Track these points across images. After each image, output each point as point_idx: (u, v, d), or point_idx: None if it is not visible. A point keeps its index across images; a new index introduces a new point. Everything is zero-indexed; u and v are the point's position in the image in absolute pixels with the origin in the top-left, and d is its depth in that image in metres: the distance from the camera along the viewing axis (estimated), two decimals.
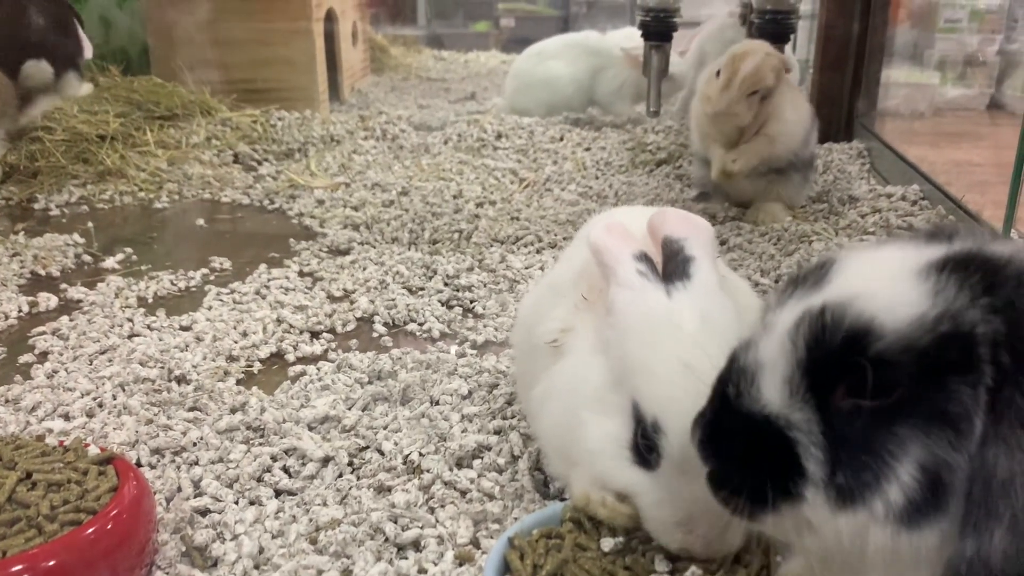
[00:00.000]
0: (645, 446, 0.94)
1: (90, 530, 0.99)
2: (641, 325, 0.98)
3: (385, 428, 1.46)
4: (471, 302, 2.04)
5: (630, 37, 3.73)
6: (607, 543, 0.96)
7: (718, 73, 2.43)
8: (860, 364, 0.66)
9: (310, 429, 1.46)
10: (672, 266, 1.01)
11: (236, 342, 1.80)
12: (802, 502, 0.70)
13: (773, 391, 0.72)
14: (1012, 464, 0.60)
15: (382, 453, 1.39)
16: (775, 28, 2.84)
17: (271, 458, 1.36)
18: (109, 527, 1.01)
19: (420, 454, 1.37)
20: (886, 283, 0.68)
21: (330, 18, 4.11)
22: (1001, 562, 0.58)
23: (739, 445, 0.74)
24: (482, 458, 1.36)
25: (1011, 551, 0.58)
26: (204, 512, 1.24)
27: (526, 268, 2.23)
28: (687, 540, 0.93)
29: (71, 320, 1.90)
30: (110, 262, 2.28)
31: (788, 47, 3.32)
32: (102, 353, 1.74)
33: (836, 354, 0.68)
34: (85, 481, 1.07)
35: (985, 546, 0.59)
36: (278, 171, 3.17)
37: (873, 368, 0.66)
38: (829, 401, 0.69)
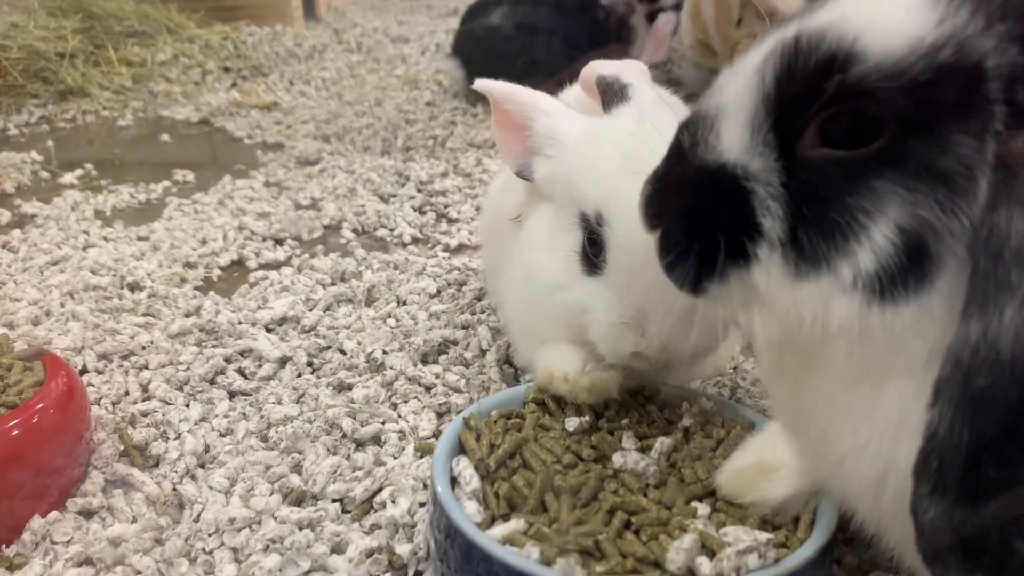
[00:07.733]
0: (593, 250, 0.89)
1: (12, 422, 0.91)
2: (582, 137, 0.94)
3: (348, 328, 1.38)
4: (445, 207, 1.94)
5: None
6: (572, 423, 0.88)
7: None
8: (834, 97, 0.52)
9: (267, 331, 1.38)
10: (610, 96, 0.97)
11: (194, 249, 1.70)
12: (754, 265, 0.58)
13: (733, 137, 0.59)
14: None
15: (344, 352, 1.30)
16: None
17: (224, 360, 1.28)
18: (35, 420, 0.93)
19: (384, 352, 1.28)
20: (882, 3, 0.54)
21: None
22: (1013, 344, 0.47)
23: (688, 200, 0.62)
24: (448, 353, 1.28)
25: None
26: (148, 414, 1.16)
27: None
28: (640, 343, 0.86)
29: (23, 233, 1.80)
30: (69, 178, 2.17)
31: None
32: (54, 264, 1.65)
33: (807, 84, 0.54)
34: (8, 376, 0.98)
35: (994, 326, 0.47)
36: (248, 87, 3.03)
37: (851, 99, 0.52)
38: (796, 147, 0.56)
